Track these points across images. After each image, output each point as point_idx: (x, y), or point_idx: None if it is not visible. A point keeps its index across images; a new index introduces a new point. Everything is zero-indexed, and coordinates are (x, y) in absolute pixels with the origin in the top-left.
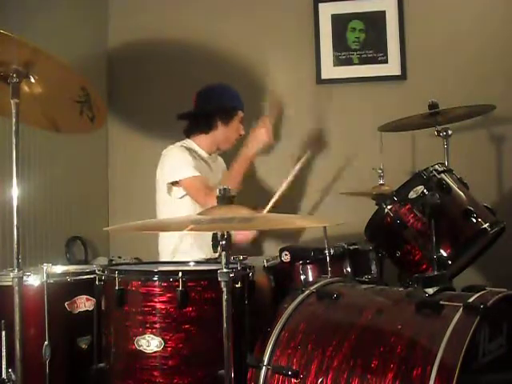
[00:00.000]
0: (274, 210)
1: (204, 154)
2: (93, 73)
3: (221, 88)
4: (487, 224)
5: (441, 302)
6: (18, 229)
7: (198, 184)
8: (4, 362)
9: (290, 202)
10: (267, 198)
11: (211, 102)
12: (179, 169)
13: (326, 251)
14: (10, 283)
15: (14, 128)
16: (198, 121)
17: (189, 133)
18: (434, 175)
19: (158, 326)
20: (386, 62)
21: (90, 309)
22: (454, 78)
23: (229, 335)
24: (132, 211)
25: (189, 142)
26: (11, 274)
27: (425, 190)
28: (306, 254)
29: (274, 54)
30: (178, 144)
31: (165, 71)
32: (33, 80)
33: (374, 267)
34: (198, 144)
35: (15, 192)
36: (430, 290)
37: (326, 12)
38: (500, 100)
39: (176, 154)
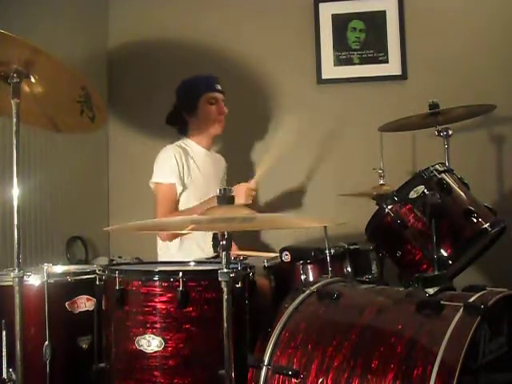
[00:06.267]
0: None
1: (201, 150)
2: (93, 73)
3: (180, 85)
4: (488, 224)
5: (441, 302)
6: (18, 229)
7: (167, 195)
8: (4, 362)
9: (290, 202)
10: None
11: (176, 102)
12: (159, 171)
13: (327, 251)
14: (11, 283)
15: (14, 128)
16: (175, 124)
17: (182, 133)
18: (435, 175)
19: (158, 325)
20: (386, 61)
21: (91, 309)
22: (454, 77)
23: (229, 335)
24: (132, 211)
25: (185, 140)
26: (12, 273)
27: (425, 190)
28: (306, 253)
29: (274, 53)
30: (175, 144)
31: (165, 71)
32: (33, 80)
33: (374, 267)
34: (194, 140)
35: (15, 192)
36: (431, 290)
37: (326, 12)
38: (500, 100)
39: (162, 156)
